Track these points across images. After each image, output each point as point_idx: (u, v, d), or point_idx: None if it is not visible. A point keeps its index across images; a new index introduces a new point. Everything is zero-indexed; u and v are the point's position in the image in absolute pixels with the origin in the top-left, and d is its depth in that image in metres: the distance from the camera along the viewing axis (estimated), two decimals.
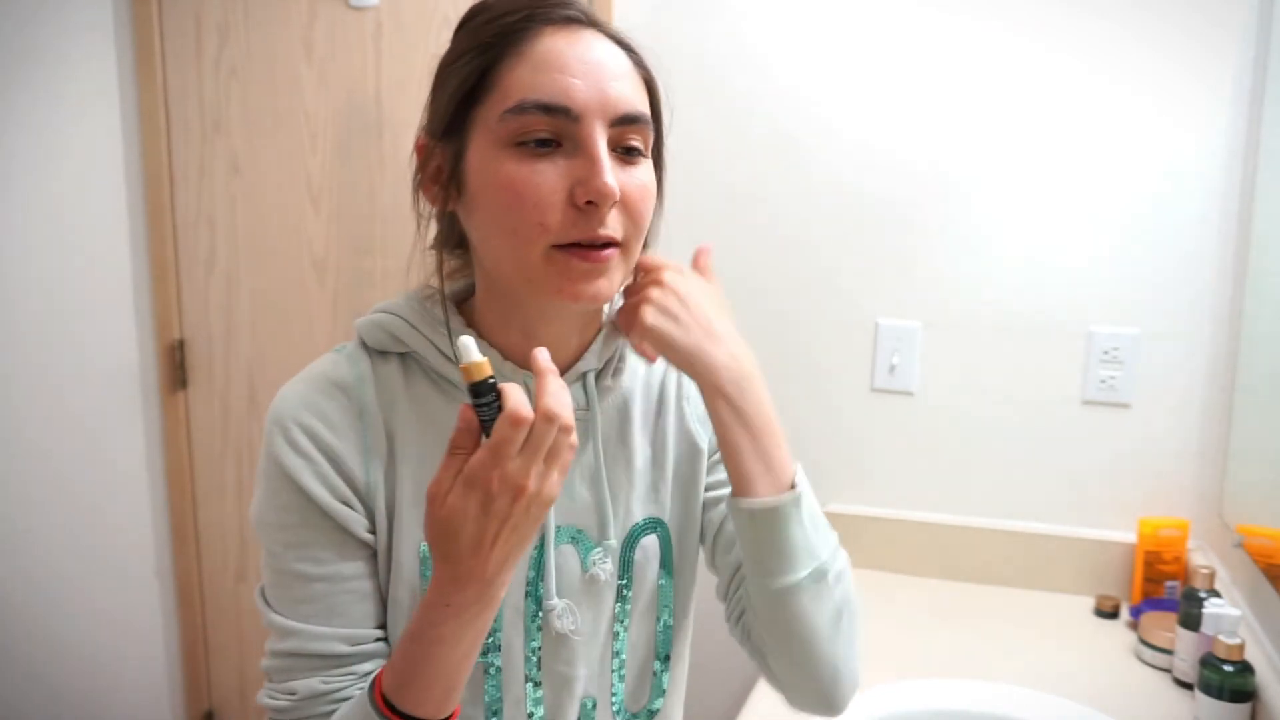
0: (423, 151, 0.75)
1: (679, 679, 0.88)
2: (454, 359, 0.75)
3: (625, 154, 0.72)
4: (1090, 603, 1.55)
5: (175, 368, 2.03)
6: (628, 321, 0.75)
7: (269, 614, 0.75)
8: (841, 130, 1.64)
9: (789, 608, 0.74)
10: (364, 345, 0.78)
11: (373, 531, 0.75)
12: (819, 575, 0.75)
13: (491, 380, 0.62)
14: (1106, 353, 1.57)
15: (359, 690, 0.73)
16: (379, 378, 0.76)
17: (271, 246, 1.95)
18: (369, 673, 0.74)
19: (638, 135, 0.72)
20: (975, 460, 1.65)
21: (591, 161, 0.68)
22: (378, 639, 0.75)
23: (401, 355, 0.77)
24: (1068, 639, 1.44)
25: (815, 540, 0.76)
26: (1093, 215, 1.55)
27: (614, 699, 0.83)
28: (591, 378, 0.80)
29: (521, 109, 0.68)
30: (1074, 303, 1.57)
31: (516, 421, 0.60)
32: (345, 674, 0.73)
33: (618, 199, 0.69)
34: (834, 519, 1.75)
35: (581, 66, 0.69)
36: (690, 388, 0.87)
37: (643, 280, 0.77)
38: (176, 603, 2.10)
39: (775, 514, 0.74)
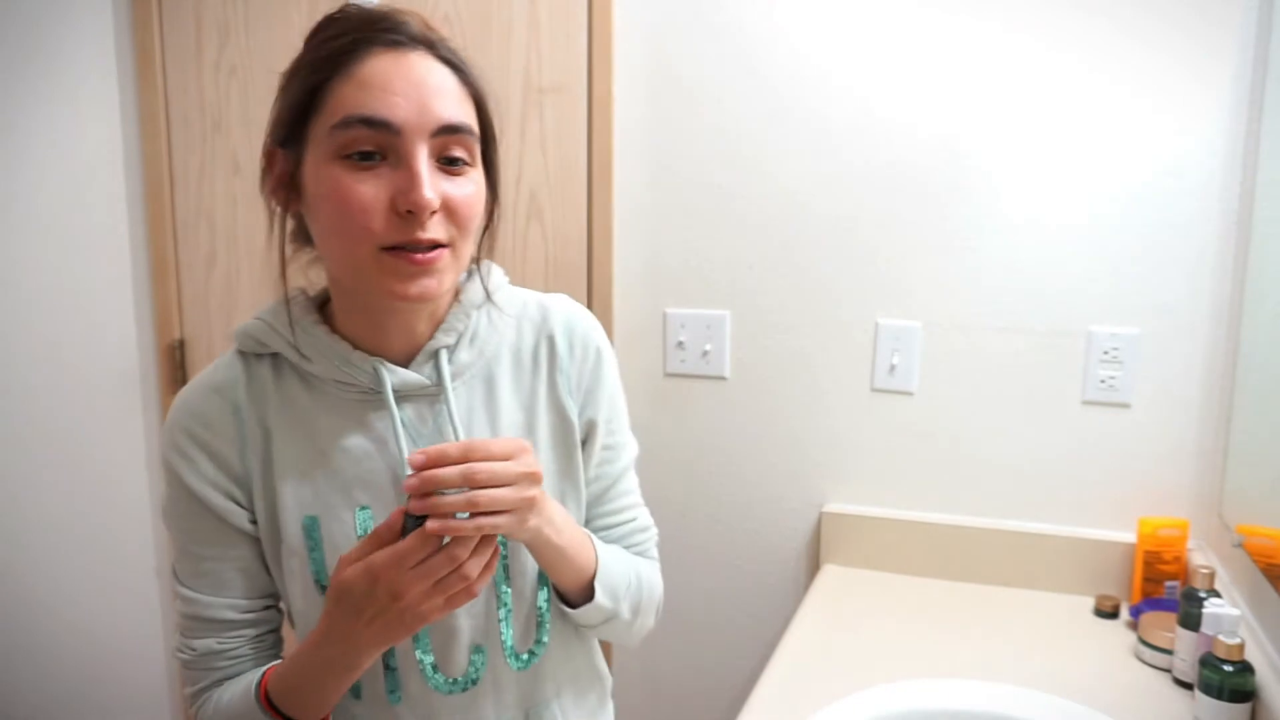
0: (268, 158, 0.82)
1: (562, 616, 0.95)
2: (304, 356, 0.85)
3: (450, 165, 0.78)
4: (1090, 603, 1.55)
5: (175, 368, 2.03)
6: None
7: (175, 584, 0.88)
8: (840, 129, 1.64)
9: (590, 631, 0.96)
10: (239, 350, 0.88)
11: (254, 521, 0.86)
12: (612, 618, 0.92)
13: None
14: (1106, 353, 1.57)
15: (249, 650, 0.88)
16: (251, 377, 0.86)
17: (272, 246, 1.94)
18: (257, 635, 0.89)
19: (460, 146, 0.79)
20: (975, 460, 1.65)
21: (411, 174, 0.75)
22: (265, 607, 0.90)
23: (273, 355, 0.87)
24: (1067, 639, 1.44)
25: (611, 606, 0.91)
26: (1093, 215, 1.55)
27: (504, 645, 0.90)
28: (444, 355, 0.86)
29: (346, 124, 0.75)
30: (1074, 303, 1.57)
31: (424, 541, 0.71)
32: (236, 636, 0.87)
33: (436, 208, 0.76)
34: (834, 519, 1.76)
35: (403, 85, 0.76)
36: (564, 360, 0.92)
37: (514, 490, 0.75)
38: None
39: (579, 614, 0.91)
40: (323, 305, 0.89)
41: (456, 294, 0.89)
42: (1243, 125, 1.46)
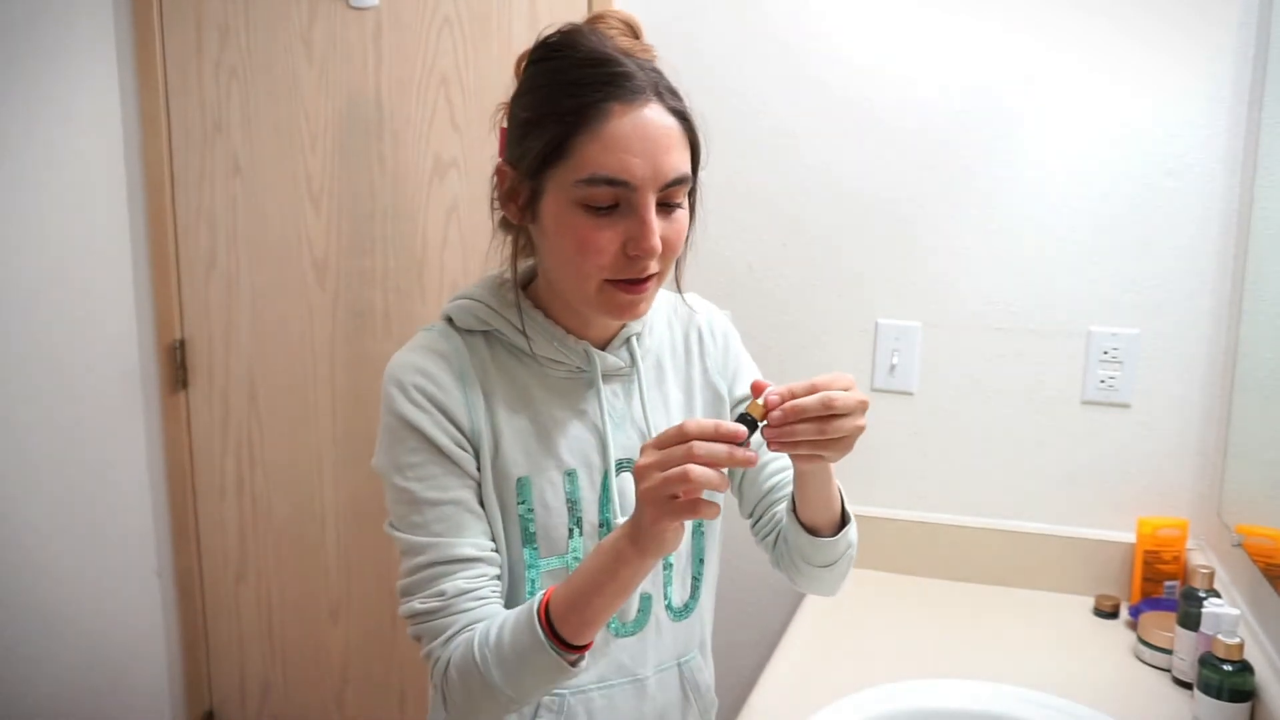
0: (501, 176, 0.93)
1: (709, 580, 1.09)
2: (527, 336, 0.96)
3: (667, 206, 0.89)
4: (1089, 602, 1.55)
5: (175, 368, 2.03)
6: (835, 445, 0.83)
7: (404, 537, 0.93)
8: (840, 129, 1.64)
9: (818, 574, 1.03)
10: (451, 325, 0.98)
11: (479, 469, 0.94)
12: (843, 558, 1.02)
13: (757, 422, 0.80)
14: (1106, 353, 1.57)
15: (491, 590, 0.92)
16: (470, 349, 0.96)
17: (271, 246, 1.95)
18: (494, 575, 0.94)
19: (680, 193, 0.90)
20: (975, 460, 1.65)
21: (642, 225, 0.86)
22: (493, 549, 0.95)
23: (485, 332, 0.97)
24: (1067, 639, 1.44)
25: (845, 544, 1.00)
26: (1092, 215, 1.55)
27: (666, 595, 1.03)
28: (634, 341, 1.01)
29: (592, 181, 0.85)
30: (1074, 303, 1.57)
31: (693, 428, 0.77)
32: (480, 575, 0.92)
33: (660, 252, 0.88)
34: None
35: (641, 145, 0.85)
36: (710, 347, 1.08)
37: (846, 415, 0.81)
38: (177, 602, 2.10)
39: (832, 544, 0.99)
40: (524, 286, 1.00)
41: None
42: (1242, 126, 1.46)
